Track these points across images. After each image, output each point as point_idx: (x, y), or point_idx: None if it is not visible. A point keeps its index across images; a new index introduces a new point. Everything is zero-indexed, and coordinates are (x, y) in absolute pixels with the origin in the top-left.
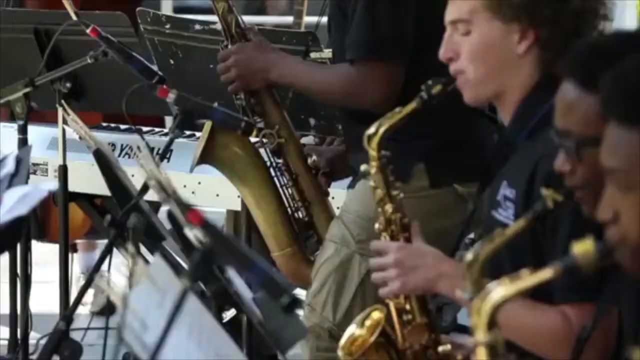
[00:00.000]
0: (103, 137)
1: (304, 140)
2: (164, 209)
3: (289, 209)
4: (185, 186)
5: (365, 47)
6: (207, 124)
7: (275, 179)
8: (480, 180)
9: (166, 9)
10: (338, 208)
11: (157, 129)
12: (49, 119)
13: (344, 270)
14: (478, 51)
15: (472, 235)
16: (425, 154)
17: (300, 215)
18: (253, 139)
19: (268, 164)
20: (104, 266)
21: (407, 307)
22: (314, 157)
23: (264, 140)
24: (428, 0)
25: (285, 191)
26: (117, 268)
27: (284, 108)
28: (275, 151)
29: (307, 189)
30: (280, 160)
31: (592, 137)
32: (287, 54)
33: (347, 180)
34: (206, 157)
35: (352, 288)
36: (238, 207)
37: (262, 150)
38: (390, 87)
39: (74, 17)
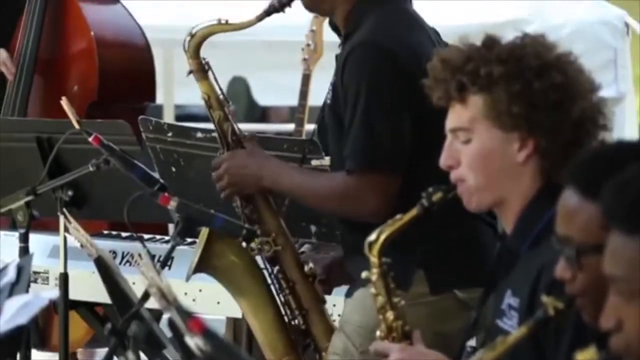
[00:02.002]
0: (104, 245)
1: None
2: (165, 317)
3: (285, 317)
4: (186, 294)
5: (363, 158)
6: (203, 232)
7: (272, 286)
8: (484, 287)
9: (168, 116)
10: (339, 315)
11: (158, 236)
12: (51, 227)
13: None
14: (478, 159)
15: (473, 343)
16: (424, 260)
17: (297, 323)
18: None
19: (265, 271)
20: None
21: None
22: (311, 265)
23: (261, 248)
24: (424, 105)
25: (282, 299)
26: None
27: (280, 215)
28: (272, 259)
29: (304, 297)
30: (276, 268)
31: (593, 245)
32: (280, 160)
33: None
34: (203, 266)
35: None
36: (239, 315)
37: (258, 257)
38: (386, 198)
39: (76, 126)
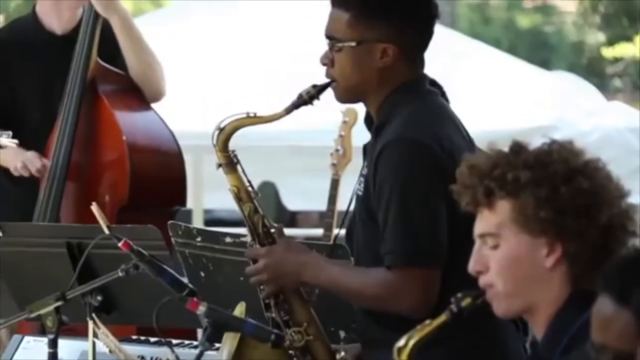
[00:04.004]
0: (133, 350)
1: None
2: None
3: None
4: None
5: (403, 254)
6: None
7: None
8: None
9: (197, 221)
10: None
11: (187, 342)
12: (80, 332)
13: None
14: (506, 265)
15: None
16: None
17: None
18: None
19: None
20: None
21: None
22: (342, 353)
23: (293, 338)
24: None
25: None
26: None
27: (311, 305)
28: (303, 348)
29: None
30: (308, 358)
31: (629, 353)
32: (317, 254)
33: None
34: (238, 357)
35: None
36: None
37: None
38: (428, 293)
39: (106, 231)
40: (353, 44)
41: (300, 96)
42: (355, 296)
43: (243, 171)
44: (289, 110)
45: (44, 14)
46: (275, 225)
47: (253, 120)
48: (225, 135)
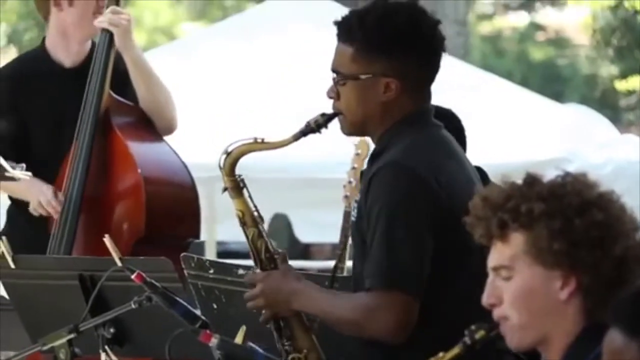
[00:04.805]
0: None
1: None
2: None
3: None
4: None
5: (382, 276)
6: None
7: None
8: None
9: (210, 253)
10: None
11: None
12: None
13: None
14: (520, 297)
15: None
16: None
17: None
18: None
19: None
20: None
21: None
22: None
23: None
24: (447, 230)
25: None
26: None
27: (312, 332)
28: None
29: None
30: None
31: None
32: (311, 283)
33: None
34: None
35: None
36: None
37: None
38: (404, 318)
39: (119, 263)
40: (357, 78)
41: (308, 124)
42: (339, 323)
43: (250, 196)
44: (296, 137)
45: (53, 48)
46: (280, 251)
47: (260, 145)
48: (232, 159)
